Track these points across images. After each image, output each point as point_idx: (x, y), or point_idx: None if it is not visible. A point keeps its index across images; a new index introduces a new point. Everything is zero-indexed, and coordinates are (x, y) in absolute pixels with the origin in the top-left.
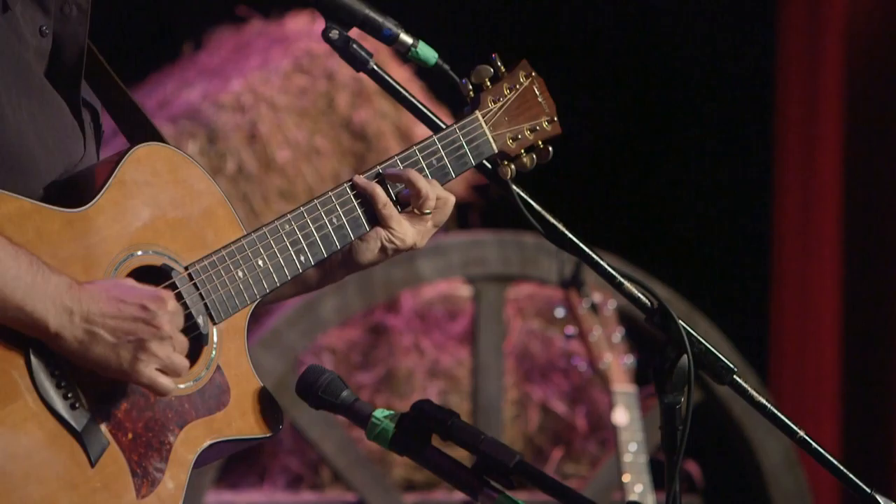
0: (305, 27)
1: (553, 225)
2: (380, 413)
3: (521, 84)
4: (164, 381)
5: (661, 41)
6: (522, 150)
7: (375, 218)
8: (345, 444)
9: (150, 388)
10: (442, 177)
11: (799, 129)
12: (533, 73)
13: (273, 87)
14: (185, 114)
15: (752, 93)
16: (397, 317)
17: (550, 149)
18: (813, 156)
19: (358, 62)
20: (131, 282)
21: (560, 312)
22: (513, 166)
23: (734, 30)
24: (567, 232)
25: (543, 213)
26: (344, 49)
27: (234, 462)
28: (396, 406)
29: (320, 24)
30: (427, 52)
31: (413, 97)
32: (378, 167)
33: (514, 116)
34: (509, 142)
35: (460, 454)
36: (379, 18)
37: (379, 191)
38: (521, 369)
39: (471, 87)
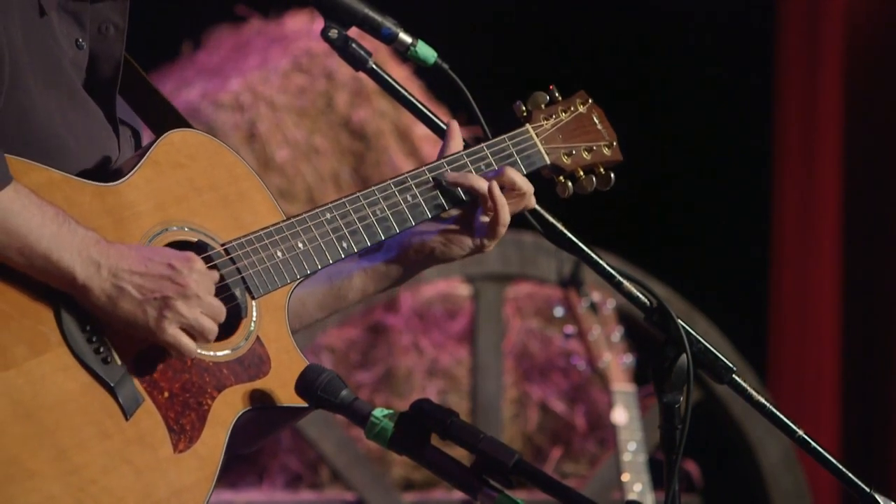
0: (304, 26)
1: (552, 224)
2: (379, 412)
3: (576, 108)
4: (187, 341)
5: (661, 41)
6: (580, 171)
7: (421, 214)
8: (344, 443)
9: (173, 347)
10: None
11: (799, 129)
12: (590, 101)
13: (272, 87)
14: (184, 113)
15: (752, 92)
16: (396, 316)
17: (612, 175)
18: (813, 156)
19: (357, 61)
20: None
21: (559, 312)
22: (570, 184)
23: (734, 30)
24: (566, 231)
25: (542, 212)
26: (343, 48)
27: (233, 461)
28: (395, 405)
29: (319, 23)
30: (426, 52)
31: (412, 96)
32: (424, 168)
33: (569, 136)
34: (564, 157)
35: (459, 453)
36: (378, 17)
37: (505, 207)
38: (521, 368)
39: (524, 108)
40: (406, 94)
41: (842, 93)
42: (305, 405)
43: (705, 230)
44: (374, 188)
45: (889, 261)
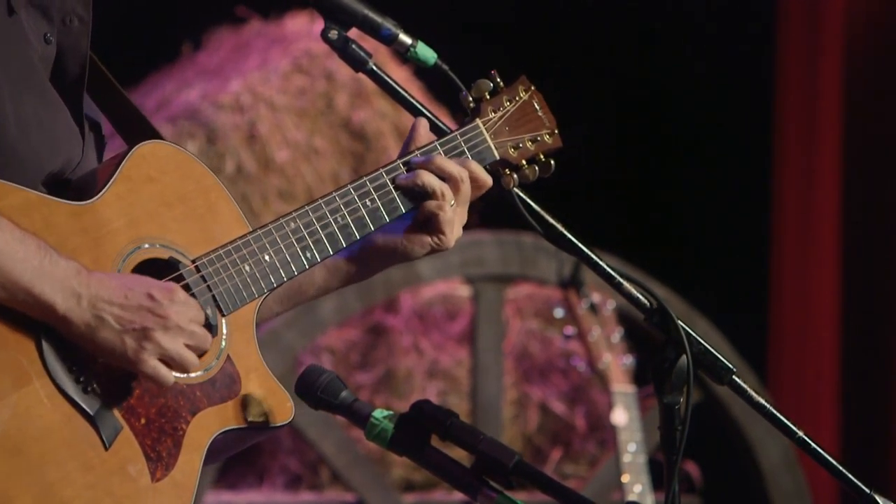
0: (304, 27)
1: (552, 225)
2: (379, 413)
3: (520, 97)
4: (165, 372)
5: (661, 41)
6: (524, 162)
7: (380, 219)
8: (344, 444)
9: (151, 378)
10: None
11: (798, 129)
12: (532, 88)
13: (272, 88)
14: (184, 114)
15: (752, 93)
16: (396, 317)
17: (553, 162)
18: (812, 156)
19: (357, 62)
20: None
21: (559, 312)
22: (515, 176)
23: (734, 30)
24: (566, 232)
25: (542, 213)
26: (343, 49)
27: (233, 462)
28: (395, 406)
29: (319, 24)
30: (426, 53)
31: (412, 97)
32: (381, 170)
33: (514, 127)
34: (511, 150)
35: (459, 454)
36: (378, 18)
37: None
38: (521, 369)
39: (471, 98)
40: (406, 95)
41: (842, 92)
42: (278, 424)
43: (705, 231)
44: (334, 194)
45: (889, 261)
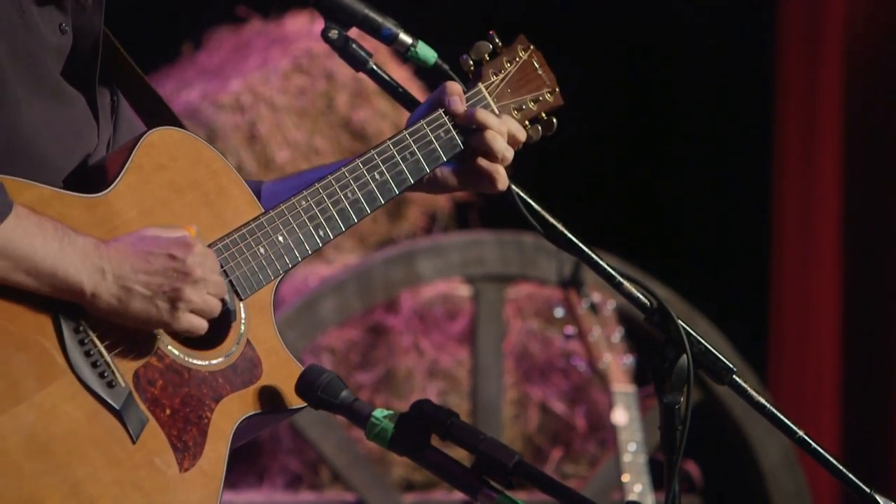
0: (305, 27)
1: (552, 225)
2: (379, 413)
3: (520, 57)
4: (199, 321)
5: (661, 42)
6: (527, 122)
7: (389, 191)
8: (344, 443)
9: (189, 332)
10: (450, 149)
11: (799, 130)
12: (531, 47)
13: (272, 88)
14: (184, 114)
15: (752, 93)
16: (397, 317)
17: (555, 120)
18: (813, 156)
19: (357, 62)
20: (153, 230)
21: (559, 312)
22: None
23: (734, 30)
24: (566, 232)
25: (543, 212)
26: (343, 49)
27: (233, 462)
28: (396, 406)
29: (319, 24)
30: (426, 52)
31: (412, 97)
32: (388, 142)
33: (516, 88)
34: (514, 113)
35: (460, 454)
36: (378, 18)
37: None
38: (521, 369)
39: (471, 62)
40: (406, 94)
41: (842, 93)
42: (299, 406)
43: (705, 231)
44: (343, 170)
45: (889, 261)
